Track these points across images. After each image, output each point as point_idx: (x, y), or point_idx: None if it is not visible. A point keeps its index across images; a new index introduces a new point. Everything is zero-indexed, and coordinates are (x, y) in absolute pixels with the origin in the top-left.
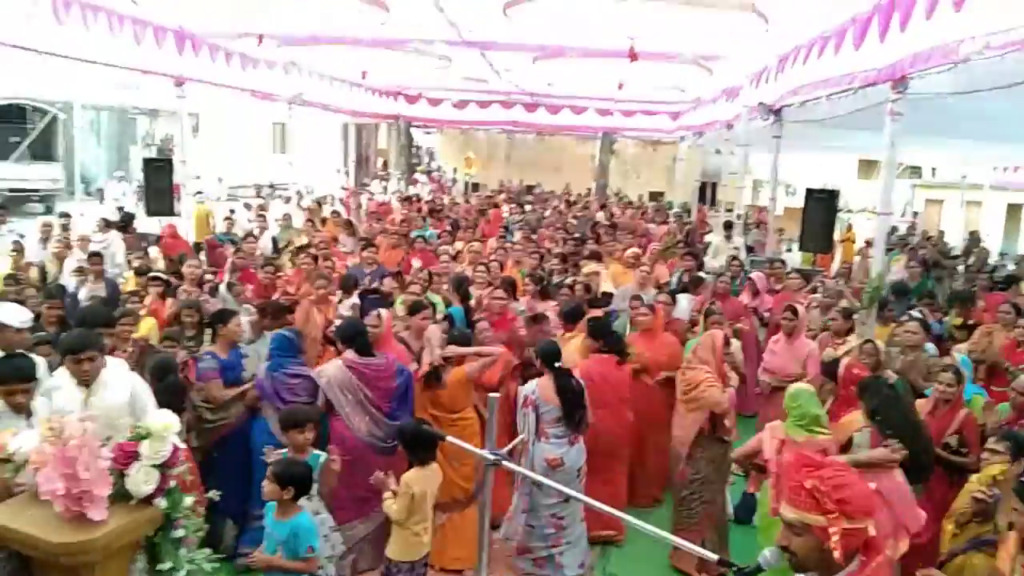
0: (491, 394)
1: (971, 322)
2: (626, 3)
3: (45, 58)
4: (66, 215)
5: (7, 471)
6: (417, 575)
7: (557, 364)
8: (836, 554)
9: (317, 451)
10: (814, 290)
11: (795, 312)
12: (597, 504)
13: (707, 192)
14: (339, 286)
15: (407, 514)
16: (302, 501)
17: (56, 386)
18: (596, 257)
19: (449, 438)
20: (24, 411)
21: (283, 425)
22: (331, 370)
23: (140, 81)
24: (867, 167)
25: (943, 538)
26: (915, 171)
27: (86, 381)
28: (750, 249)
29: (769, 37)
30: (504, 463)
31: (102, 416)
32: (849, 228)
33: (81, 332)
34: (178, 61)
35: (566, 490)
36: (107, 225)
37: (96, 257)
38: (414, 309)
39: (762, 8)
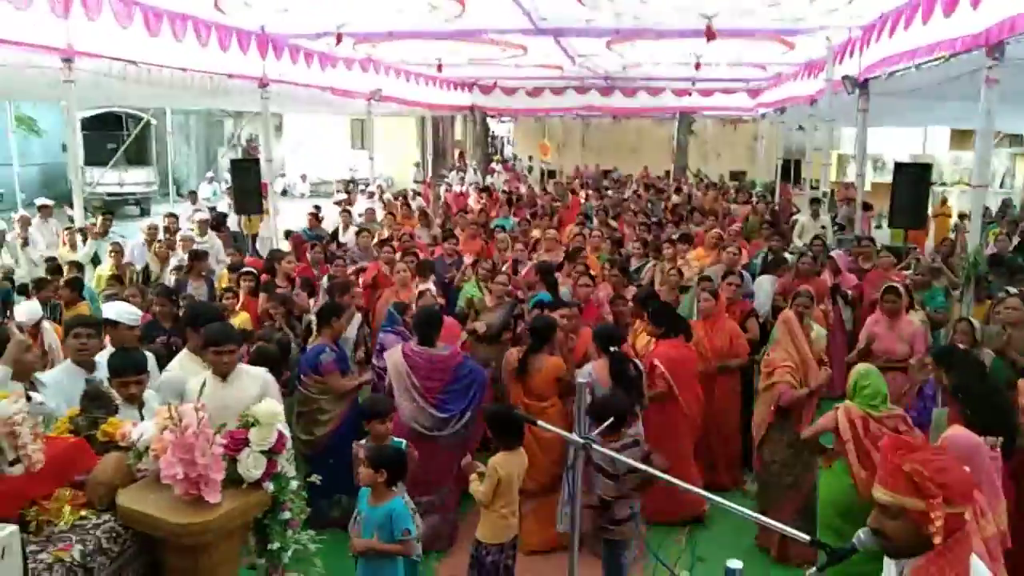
0: (580, 379)
1: None
2: None
3: (141, 67)
4: (172, 216)
5: (130, 458)
6: (506, 557)
7: (612, 348)
8: (937, 539)
9: (398, 439)
10: (907, 267)
11: (898, 293)
12: (667, 477)
13: (791, 170)
14: (416, 272)
15: (493, 497)
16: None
17: (184, 378)
18: (687, 240)
19: (540, 423)
20: (136, 402)
21: (365, 416)
22: (395, 355)
23: (228, 85)
24: (961, 137)
25: None
26: (1015, 139)
27: (224, 372)
28: (841, 227)
29: (853, 8)
30: (594, 446)
31: (235, 408)
32: (943, 202)
33: (223, 325)
34: (261, 64)
35: (639, 466)
36: (206, 226)
37: (202, 256)
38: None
39: None
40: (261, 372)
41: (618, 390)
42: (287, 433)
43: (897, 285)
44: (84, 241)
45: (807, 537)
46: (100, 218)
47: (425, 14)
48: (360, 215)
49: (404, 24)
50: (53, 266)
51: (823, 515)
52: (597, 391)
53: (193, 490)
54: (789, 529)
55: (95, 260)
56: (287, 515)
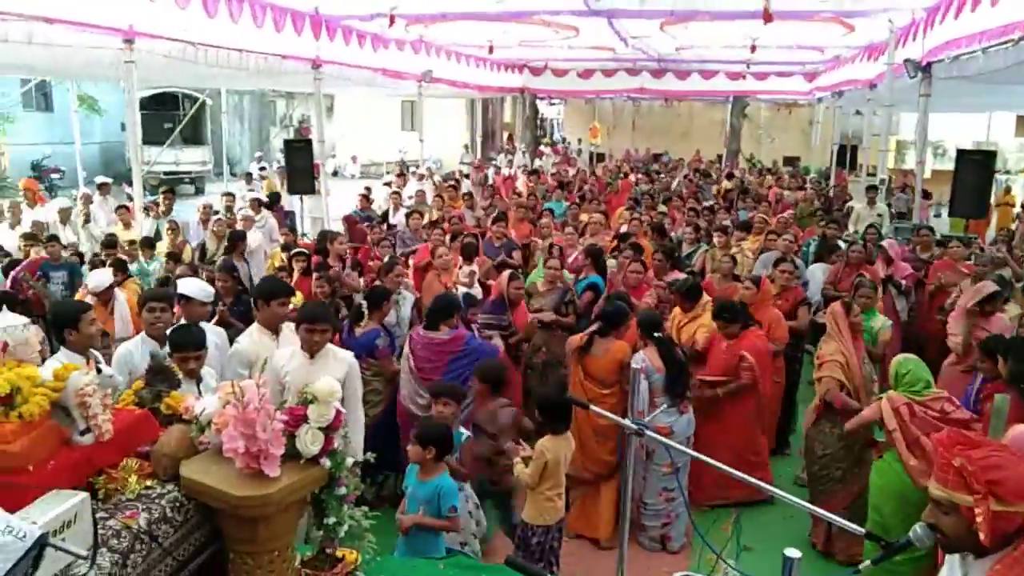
0: (634, 365)
1: None
2: None
3: (199, 48)
4: (230, 195)
5: (193, 431)
6: (552, 539)
7: (657, 334)
8: (982, 536)
9: (463, 430)
10: (969, 257)
11: (997, 295)
12: (713, 463)
13: (847, 156)
14: (460, 254)
15: (539, 480)
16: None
17: (252, 352)
18: (745, 227)
19: (593, 408)
20: (195, 376)
21: (431, 394)
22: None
23: (282, 66)
24: None
25: None
26: None
27: (313, 351)
28: (900, 215)
29: None
30: (648, 432)
31: None
32: (1007, 191)
33: (319, 304)
34: (314, 45)
35: (690, 452)
36: (260, 205)
37: (241, 236)
38: (511, 278)
39: None
40: (348, 356)
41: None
42: (343, 410)
43: (996, 288)
44: (147, 218)
45: (861, 530)
46: (162, 196)
47: None
48: (410, 197)
49: (457, 5)
50: (109, 240)
51: (874, 507)
52: (652, 377)
53: (253, 464)
54: (843, 521)
55: (157, 237)
56: (343, 491)
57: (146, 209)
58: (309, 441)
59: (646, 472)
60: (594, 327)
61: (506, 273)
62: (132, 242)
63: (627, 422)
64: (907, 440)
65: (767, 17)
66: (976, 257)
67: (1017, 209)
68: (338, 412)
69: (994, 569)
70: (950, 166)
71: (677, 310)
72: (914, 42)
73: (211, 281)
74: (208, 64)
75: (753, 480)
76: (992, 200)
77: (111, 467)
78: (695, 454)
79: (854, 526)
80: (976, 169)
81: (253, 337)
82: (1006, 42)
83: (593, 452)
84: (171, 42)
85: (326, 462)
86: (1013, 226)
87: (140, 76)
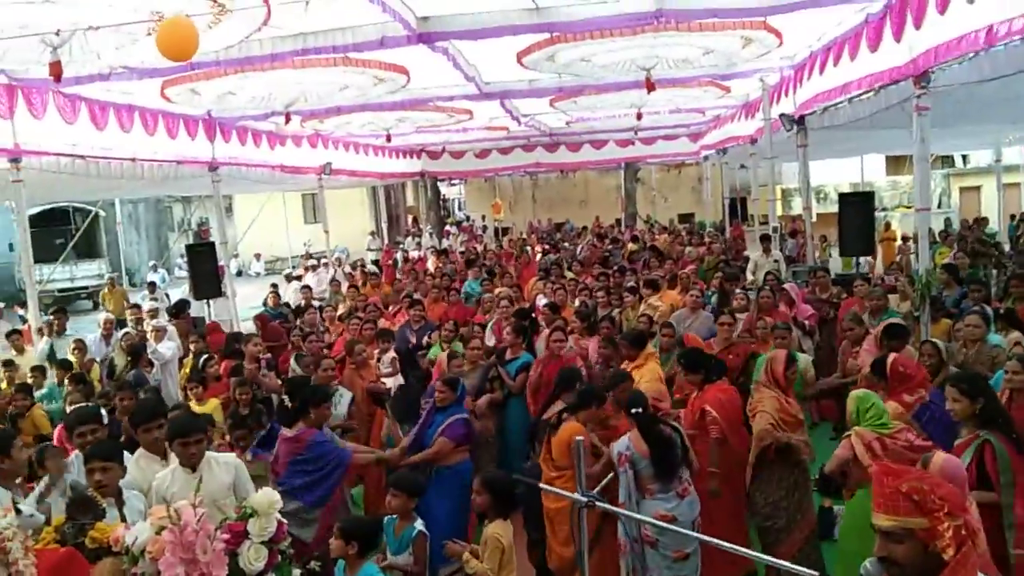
0: (578, 437)
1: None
2: (638, 37)
3: (90, 162)
4: (136, 307)
5: (125, 562)
6: None
7: (635, 411)
8: (950, 551)
9: (417, 524)
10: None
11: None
12: (727, 545)
13: (737, 208)
14: (376, 339)
15: (499, 569)
16: None
17: (139, 482)
18: (653, 286)
19: (542, 485)
20: (108, 493)
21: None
22: None
23: (178, 172)
24: (896, 162)
25: None
26: (946, 160)
27: (193, 464)
28: (792, 260)
29: (783, 50)
30: (598, 504)
31: (209, 497)
32: (887, 227)
33: (187, 416)
34: (210, 147)
35: (693, 534)
36: (157, 313)
37: (140, 349)
38: (450, 357)
39: (774, 23)
40: (231, 458)
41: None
42: (284, 521)
43: (900, 323)
44: (42, 338)
45: (815, 573)
46: (53, 316)
47: (370, 87)
48: (323, 289)
49: (350, 99)
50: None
51: (847, 545)
52: (639, 463)
53: None
54: (795, 567)
55: (51, 358)
56: None
57: (39, 330)
58: (252, 558)
59: (644, 563)
60: (561, 407)
61: (443, 355)
62: (34, 368)
63: (576, 496)
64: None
65: (649, 86)
66: (870, 291)
67: (899, 242)
68: (280, 523)
69: None
70: (832, 208)
71: (625, 363)
72: (787, 97)
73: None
74: (100, 176)
75: (766, 557)
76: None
77: None
78: (702, 536)
79: (807, 571)
80: (858, 210)
81: (139, 464)
82: (868, 91)
83: (548, 545)
84: (60, 157)
85: None
86: (897, 257)
87: (29, 194)
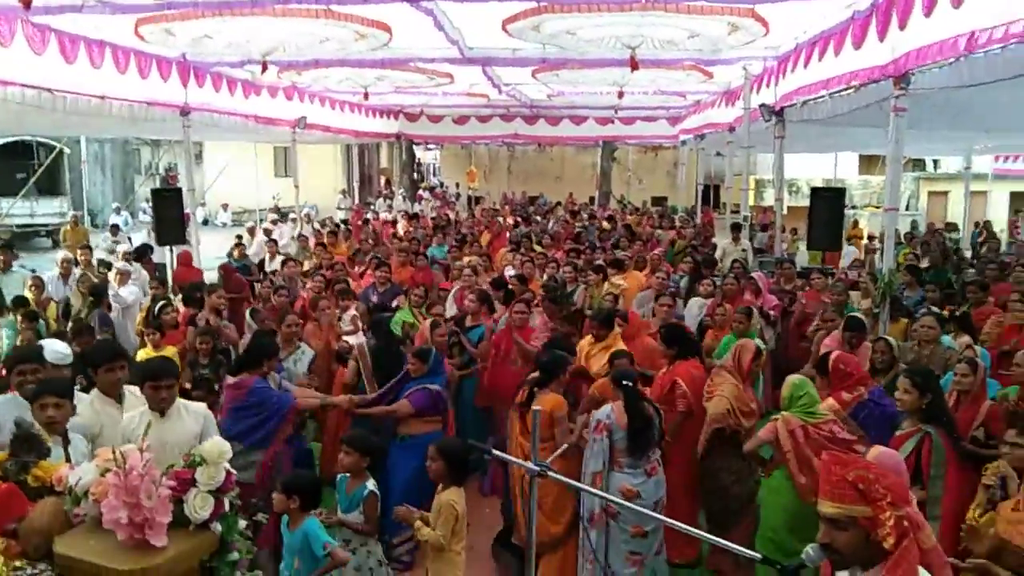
0: (535, 407)
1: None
2: (626, 14)
3: (57, 96)
4: (86, 247)
5: (67, 503)
6: None
7: (626, 383)
8: (890, 540)
9: (369, 484)
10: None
11: (862, 325)
12: (683, 526)
13: (710, 195)
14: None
15: (451, 536)
16: None
17: (130, 415)
18: (618, 266)
19: (496, 452)
20: (56, 430)
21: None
22: None
23: (148, 113)
24: (869, 162)
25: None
26: (917, 164)
27: (162, 408)
28: (759, 251)
29: (769, 40)
30: (550, 474)
31: (175, 444)
32: (855, 224)
33: (161, 360)
34: (183, 92)
35: (651, 514)
36: (131, 257)
37: (102, 290)
38: (433, 326)
39: (761, 12)
40: (201, 408)
41: None
42: (233, 472)
43: (859, 316)
44: None
45: (758, 555)
46: None
47: (351, 42)
48: (285, 245)
49: (330, 52)
50: None
51: (765, 527)
52: (616, 434)
53: (138, 534)
54: (741, 549)
55: None
56: (235, 556)
57: None
58: (198, 506)
59: (609, 535)
60: (532, 378)
61: (426, 324)
62: None
63: (529, 464)
64: (799, 460)
65: (633, 65)
66: (832, 286)
67: (865, 241)
68: (228, 473)
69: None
70: (804, 202)
71: (587, 339)
72: (768, 88)
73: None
74: (67, 112)
75: (732, 545)
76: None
77: None
78: (659, 517)
79: (751, 552)
80: (829, 205)
81: (94, 407)
82: (848, 88)
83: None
84: (25, 88)
85: (217, 527)
86: (862, 256)
87: None
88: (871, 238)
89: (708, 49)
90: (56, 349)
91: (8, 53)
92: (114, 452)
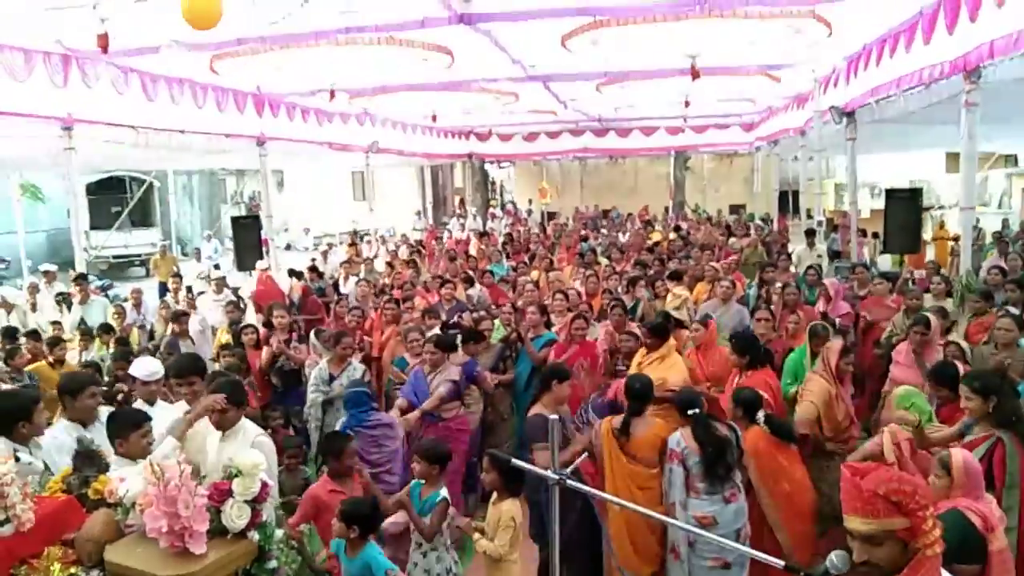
0: (551, 416)
1: None
2: (684, 23)
3: (140, 132)
4: (177, 276)
5: (118, 514)
6: None
7: (691, 412)
8: (936, 549)
9: (443, 492)
10: (902, 291)
11: (928, 325)
12: (760, 555)
13: (788, 200)
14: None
15: (511, 547)
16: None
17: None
18: (677, 277)
19: (516, 462)
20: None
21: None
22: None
23: (226, 144)
24: (956, 160)
25: None
26: (1009, 159)
27: (222, 427)
28: (836, 255)
29: (834, 41)
30: (569, 482)
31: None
32: (941, 225)
33: (225, 381)
34: (258, 122)
35: (730, 544)
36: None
37: (184, 316)
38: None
39: (823, 13)
40: (267, 441)
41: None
42: (271, 483)
43: (928, 316)
44: (68, 308)
45: (780, 563)
46: (75, 284)
47: (415, 67)
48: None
49: (396, 77)
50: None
51: None
52: (689, 459)
53: (178, 542)
54: (764, 556)
55: (81, 325)
56: (273, 564)
57: (66, 297)
58: (235, 515)
59: (691, 566)
60: (627, 410)
61: None
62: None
63: (548, 472)
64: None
65: (695, 74)
66: (908, 290)
67: (951, 242)
68: (264, 484)
69: None
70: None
71: (642, 351)
72: (836, 89)
73: None
74: (150, 146)
75: (754, 552)
76: (930, 234)
77: (33, 556)
78: (738, 546)
79: (773, 559)
80: (905, 206)
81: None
82: (919, 84)
83: (638, 548)
84: (111, 127)
85: (254, 536)
86: (945, 256)
87: (82, 162)
88: (956, 239)
89: (772, 54)
90: (147, 366)
91: (93, 94)
92: (151, 465)
